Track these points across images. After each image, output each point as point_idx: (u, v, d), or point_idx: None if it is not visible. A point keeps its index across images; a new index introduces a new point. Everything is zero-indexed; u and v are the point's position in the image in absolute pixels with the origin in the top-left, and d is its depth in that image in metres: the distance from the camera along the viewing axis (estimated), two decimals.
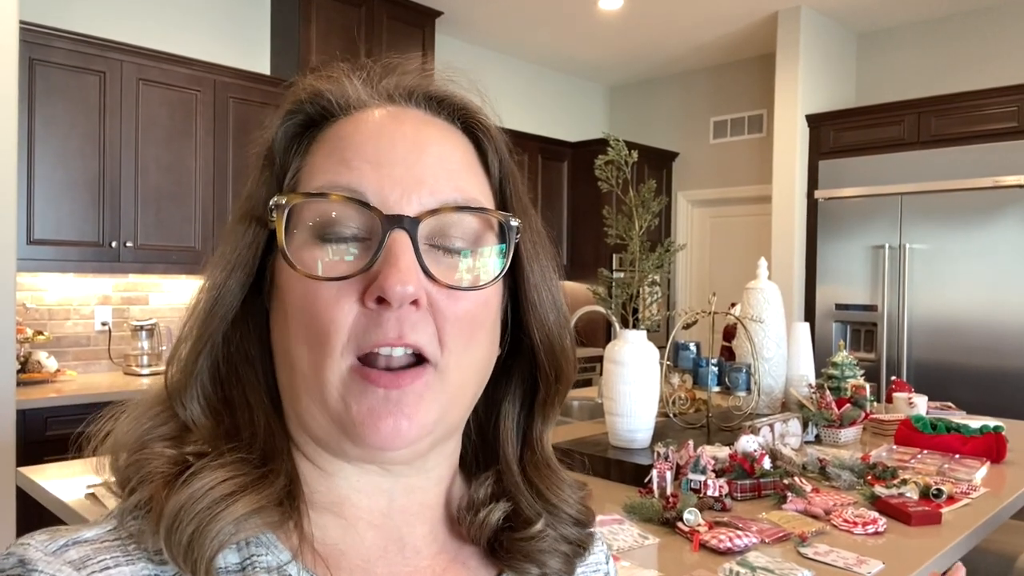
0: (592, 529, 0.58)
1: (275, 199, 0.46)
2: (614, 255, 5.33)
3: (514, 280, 0.53)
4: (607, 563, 0.63)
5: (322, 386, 0.45)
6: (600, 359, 2.06)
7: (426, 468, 0.51)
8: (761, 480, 1.73)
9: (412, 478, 0.51)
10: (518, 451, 0.56)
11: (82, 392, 3.13)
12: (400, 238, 0.45)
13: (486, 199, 0.51)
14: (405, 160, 0.47)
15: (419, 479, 0.52)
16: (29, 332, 3.26)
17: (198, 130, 3.63)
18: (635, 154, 1.99)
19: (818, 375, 2.63)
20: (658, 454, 1.71)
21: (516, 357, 0.55)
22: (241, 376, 0.49)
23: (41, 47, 3.15)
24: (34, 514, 2.02)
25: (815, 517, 1.58)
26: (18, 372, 3.01)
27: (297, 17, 4.07)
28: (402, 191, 0.46)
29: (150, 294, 3.84)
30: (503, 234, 0.50)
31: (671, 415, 2.31)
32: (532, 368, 0.55)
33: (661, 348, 2.27)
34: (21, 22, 2.82)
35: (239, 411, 0.49)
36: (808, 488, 1.74)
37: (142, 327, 3.63)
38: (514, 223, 0.50)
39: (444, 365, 0.47)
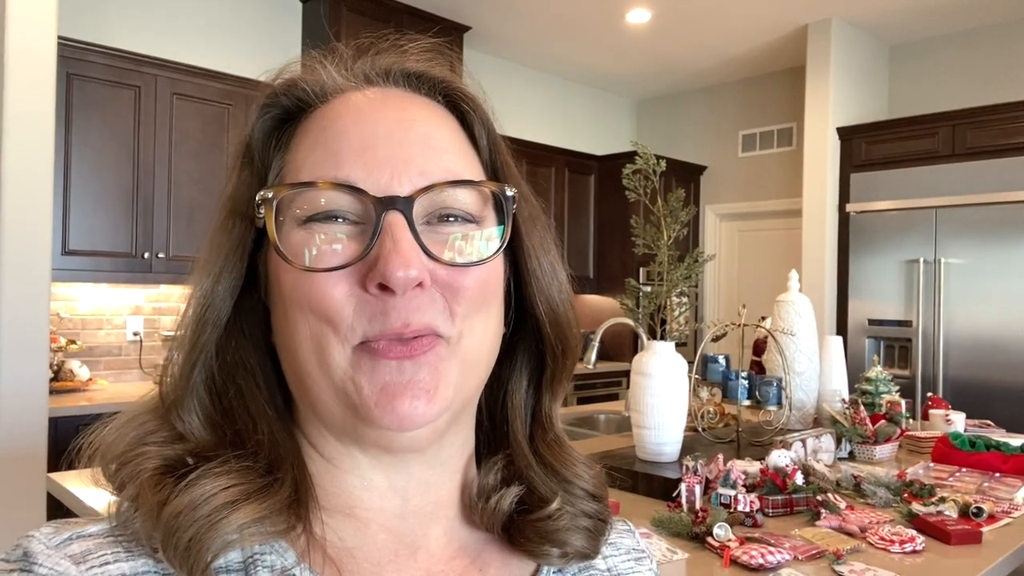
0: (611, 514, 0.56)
1: (261, 193, 0.45)
2: (641, 268, 5.30)
3: (514, 253, 0.52)
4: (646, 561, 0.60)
5: (329, 370, 0.44)
6: (627, 373, 2.02)
7: (441, 459, 0.50)
8: (793, 496, 1.69)
9: (427, 472, 0.49)
10: (528, 430, 0.54)
11: (113, 401, 3.16)
12: (396, 220, 0.43)
13: (478, 173, 0.49)
14: (390, 140, 0.46)
15: (434, 473, 0.50)
16: (63, 341, 3.32)
17: (229, 143, 3.68)
18: (663, 163, 1.98)
19: (851, 391, 2.57)
20: (687, 468, 1.68)
21: (520, 335, 0.54)
22: (240, 387, 0.48)
23: (78, 62, 3.22)
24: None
25: (850, 534, 1.54)
26: (51, 380, 3.06)
27: (327, 32, 4.13)
28: (391, 172, 0.45)
29: (181, 305, 3.87)
30: (499, 205, 0.49)
31: (700, 429, 2.27)
32: (536, 344, 0.54)
33: (690, 363, 2.24)
34: (59, 37, 2.89)
35: (240, 422, 0.47)
36: (842, 505, 1.69)
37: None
38: (510, 192, 0.48)
39: (456, 335, 0.45)
